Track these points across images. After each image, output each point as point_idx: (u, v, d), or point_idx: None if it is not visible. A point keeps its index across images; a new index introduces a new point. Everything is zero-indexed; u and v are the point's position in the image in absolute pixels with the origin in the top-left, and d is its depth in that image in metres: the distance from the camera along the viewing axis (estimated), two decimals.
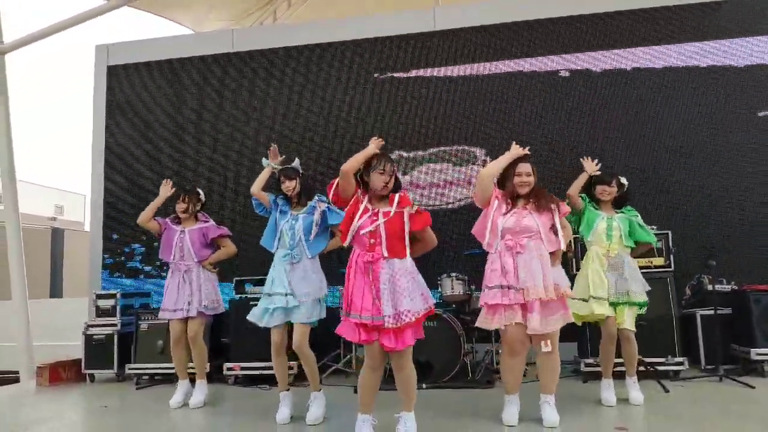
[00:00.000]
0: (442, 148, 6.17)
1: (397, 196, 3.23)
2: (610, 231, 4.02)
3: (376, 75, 6.41)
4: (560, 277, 3.49)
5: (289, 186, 3.91)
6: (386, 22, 6.48)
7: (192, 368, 4.52)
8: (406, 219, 3.16)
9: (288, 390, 3.90)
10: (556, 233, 3.49)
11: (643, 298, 3.95)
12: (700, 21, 5.92)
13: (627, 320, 3.91)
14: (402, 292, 3.05)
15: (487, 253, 3.58)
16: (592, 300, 3.89)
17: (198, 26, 9.62)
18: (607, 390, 3.94)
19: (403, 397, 3.19)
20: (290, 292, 3.73)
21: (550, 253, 3.47)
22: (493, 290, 3.44)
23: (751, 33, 5.82)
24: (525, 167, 3.57)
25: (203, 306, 4.41)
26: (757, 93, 5.74)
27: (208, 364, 5.16)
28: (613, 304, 3.91)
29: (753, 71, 5.77)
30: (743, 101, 5.75)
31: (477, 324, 3.57)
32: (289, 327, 3.84)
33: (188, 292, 4.41)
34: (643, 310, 4.02)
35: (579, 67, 6.03)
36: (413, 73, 6.32)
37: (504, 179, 3.63)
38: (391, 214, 3.15)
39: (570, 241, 4.41)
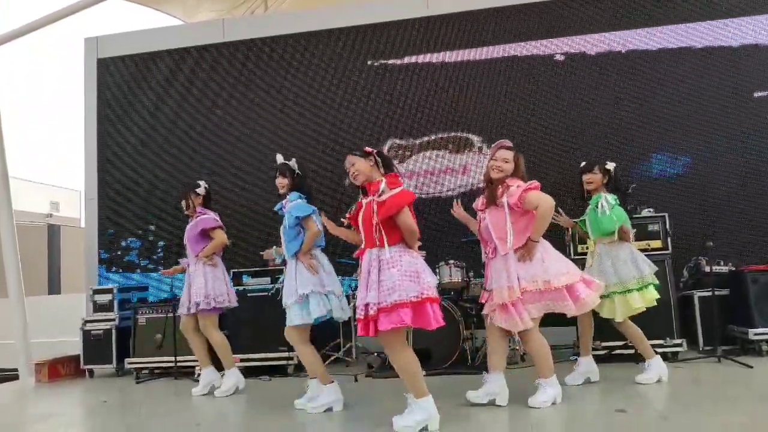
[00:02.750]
0: (438, 135, 6.13)
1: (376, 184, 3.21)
2: (588, 227, 4.19)
3: (369, 62, 6.35)
4: (532, 271, 3.43)
5: (280, 183, 3.98)
6: (378, 9, 6.42)
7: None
8: (374, 207, 3.13)
9: None
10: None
11: (635, 283, 3.94)
12: (694, 2, 5.87)
13: (610, 311, 4.02)
14: (371, 284, 3.08)
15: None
16: None
17: (188, 17, 9.53)
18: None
19: None
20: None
21: (518, 249, 3.46)
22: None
23: (746, 13, 5.78)
24: (503, 153, 3.57)
25: (192, 304, 4.38)
26: (753, 74, 5.71)
27: None
28: (614, 293, 3.99)
29: (748, 52, 5.74)
30: (739, 82, 5.72)
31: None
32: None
33: (187, 289, 4.48)
34: (637, 298, 3.94)
35: (574, 51, 5.99)
36: (407, 59, 6.27)
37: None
38: (363, 204, 3.23)
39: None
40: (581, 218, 4.30)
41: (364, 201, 3.25)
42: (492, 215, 3.53)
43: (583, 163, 4.25)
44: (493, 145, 3.69)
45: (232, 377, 4.43)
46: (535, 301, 3.44)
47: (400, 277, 3.04)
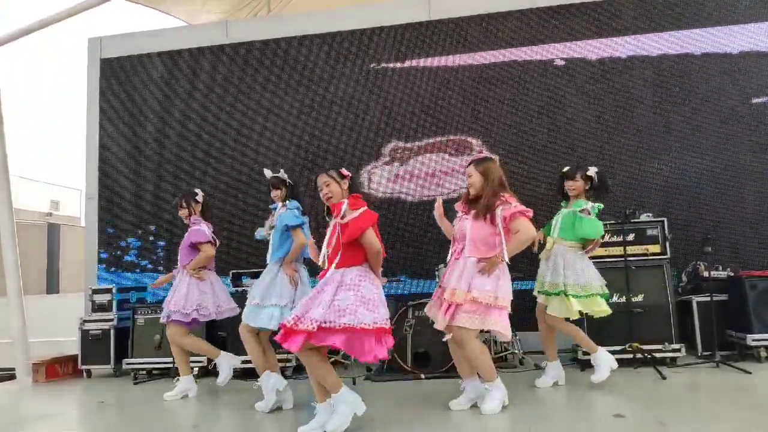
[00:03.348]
0: (438, 138, 6.14)
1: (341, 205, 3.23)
2: (554, 226, 4.23)
3: (371, 65, 6.37)
4: (487, 285, 3.45)
5: (275, 195, 4.12)
6: (381, 12, 6.44)
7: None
8: (338, 229, 3.19)
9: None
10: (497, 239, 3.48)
11: (575, 290, 3.97)
12: (694, 8, 5.89)
13: (550, 307, 4.08)
14: (320, 302, 3.05)
15: None
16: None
17: (192, 18, 9.55)
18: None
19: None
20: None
21: (482, 259, 3.47)
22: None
23: (745, 20, 5.80)
24: (468, 170, 3.69)
25: (169, 312, 4.40)
26: (751, 80, 5.73)
27: (205, 358, 5.20)
28: (548, 293, 4.08)
29: (747, 58, 5.76)
30: (737, 88, 5.74)
31: None
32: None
33: (169, 297, 4.49)
34: (576, 304, 3.97)
35: (574, 56, 6.00)
36: (408, 63, 6.29)
37: None
38: (330, 225, 3.29)
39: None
40: (548, 222, 4.32)
41: (331, 222, 3.29)
42: (475, 220, 3.54)
43: (566, 169, 4.29)
44: None
45: (186, 383, 4.50)
46: (470, 312, 3.41)
47: (355, 302, 3.03)
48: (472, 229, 3.53)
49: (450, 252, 3.70)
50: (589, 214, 4.05)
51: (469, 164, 3.71)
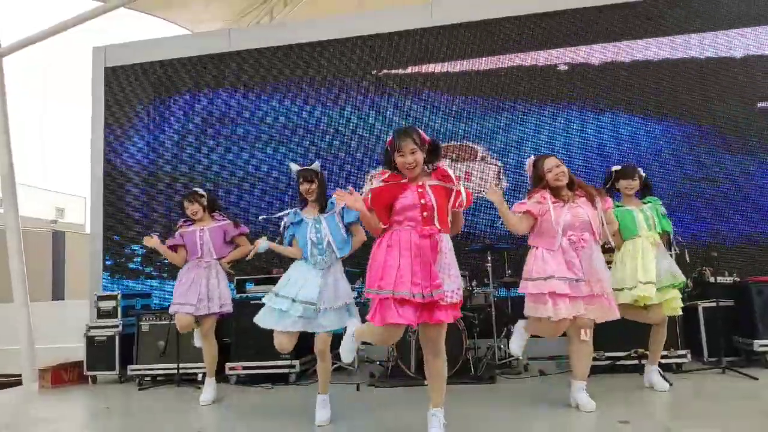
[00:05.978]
0: (442, 144, 6.14)
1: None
2: (648, 221, 4.06)
3: (373, 72, 6.39)
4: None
5: (309, 189, 3.81)
6: (382, 19, 6.47)
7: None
8: (462, 191, 2.94)
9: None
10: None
11: (683, 278, 3.99)
12: (698, 12, 5.90)
13: (674, 304, 3.96)
14: (453, 268, 2.87)
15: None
16: (640, 285, 3.84)
17: (195, 26, 9.61)
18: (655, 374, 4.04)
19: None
20: (319, 302, 3.55)
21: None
22: (560, 281, 3.42)
23: (749, 24, 5.80)
24: (552, 161, 3.62)
25: (219, 306, 4.42)
26: (756, 84, 5.72)
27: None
28: (660, 290, 3.91)
29: (751, 62, 5.76)
30: (742, 93, 5.73)
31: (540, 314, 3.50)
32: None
33: (202, 290, 4.37)
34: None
35: (577, 61, 6.01)
36: (411, 69, 6.30)
37: (536, 180, 3.67)
38: (428, 188, 2.94)
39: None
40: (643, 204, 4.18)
41: (429, 184, 2.94)
42: (590, 208, 3.60)
43: (618, 167, 4.18)
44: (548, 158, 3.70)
45: (214, 386, 4.45)
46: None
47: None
48: (593, 217, 3.54)
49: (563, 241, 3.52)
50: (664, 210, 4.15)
51: (549, 157, 3.70)
